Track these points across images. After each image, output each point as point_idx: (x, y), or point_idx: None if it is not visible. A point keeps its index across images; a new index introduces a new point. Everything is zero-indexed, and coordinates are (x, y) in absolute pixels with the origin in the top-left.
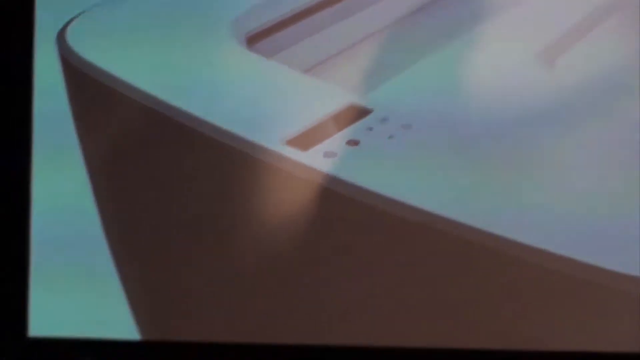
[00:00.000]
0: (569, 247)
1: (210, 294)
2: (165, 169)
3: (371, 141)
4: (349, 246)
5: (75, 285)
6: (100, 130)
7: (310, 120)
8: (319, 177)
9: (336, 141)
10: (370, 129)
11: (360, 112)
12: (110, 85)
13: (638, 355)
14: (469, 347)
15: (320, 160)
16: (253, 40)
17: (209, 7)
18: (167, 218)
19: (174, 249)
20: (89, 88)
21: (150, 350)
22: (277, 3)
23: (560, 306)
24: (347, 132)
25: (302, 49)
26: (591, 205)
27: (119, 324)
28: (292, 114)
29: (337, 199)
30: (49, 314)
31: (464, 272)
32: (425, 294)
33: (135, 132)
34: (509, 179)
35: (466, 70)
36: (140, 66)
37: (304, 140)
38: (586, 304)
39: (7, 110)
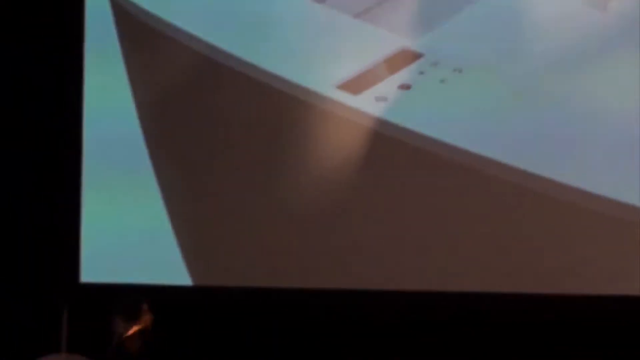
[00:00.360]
0: (625, 193)
1: (261, 237)
2: (218, 114)
3: (423, 85)
4: (400, 188)
5: (126, 232)
6: (153, 76)
7: (362, 64)
8: (370, 121)
9: (387, 85)
10: (422, 73)
11: (411, 57)
12: (164, 31)
13: None
14: (515, 290)
15: (371, 104)
16: None
17: None
18: (219, 162)
19: (226, 192)
20: (140, 32)
21: (200, 294)
22: None
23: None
24: (398, 77)
25: None
26: None
27: (169, 269)
28: (343, 58)
29: (388, 143)
30: (100, 261)
31: (514, 215)
32: (474, 236)
33: (188, 77)
34: (560, 121)
35: (516, 15)
36: (191, 12)
37: (356, 85)
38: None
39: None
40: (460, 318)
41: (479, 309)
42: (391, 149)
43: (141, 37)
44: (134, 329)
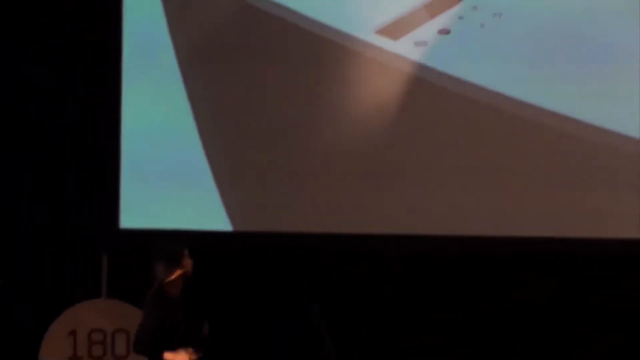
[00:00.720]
0: None
1: (300, 182)
2: (258, 59)
3: (462, 30)
4: (438, 133)
5: (166, 178)
6: (194, 20)
7: (402, 9)
8: (409, 66)
9: (427, 30)
10: (461, 17)
11: (451, 1)
12: None
13: None
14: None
15: (410, 49)
16: None
17: None
18: (259, 108)
19: (266, 138)
20: None
21: (240, 240)
22: None
23: None
24: (438, 21)
25: None
26: None
27: (208, 216)
28: (383, 3)
29: (427, 88)
30: (140, 207)
31: (554, 159)
32: (514, 179)
33: (228, 21)
34: (597, 70)
35: None
36: None
37: (395, 30)
38: None
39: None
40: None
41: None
42: (430, 94)
43: None
44: (175, 274)
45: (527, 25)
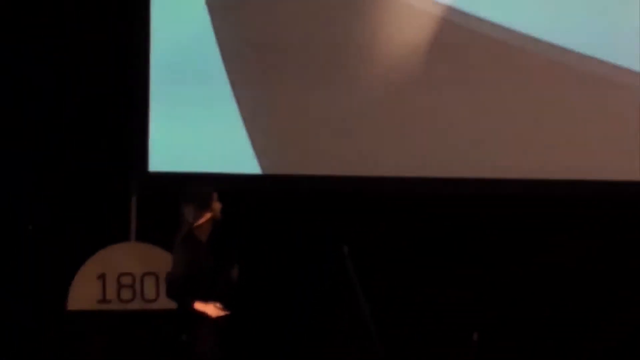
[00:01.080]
0: None
1: (330, 126)
2: (292, 2)
3: None
4: (469, 77)
5: (195, 121)
6: None
7: None
8: (438, 9)
9: None
10: None
11: None
12: None
13: None
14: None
15: None
16: None
17: None
18: (288, 49)
19: (295, 80)
20: None
21: (270, 183)
22: None
23: None
24: None
25: None
26: None
27: (238, 159)
28: None
29: (456, 30)
30: (169, 150)
31: (579, 102)
32: (541, 123)
33: None
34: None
35: None
36: None
37: None
38: None
39: None
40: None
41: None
42: (459, 36)
43: None
44: (204, 217)
45: None
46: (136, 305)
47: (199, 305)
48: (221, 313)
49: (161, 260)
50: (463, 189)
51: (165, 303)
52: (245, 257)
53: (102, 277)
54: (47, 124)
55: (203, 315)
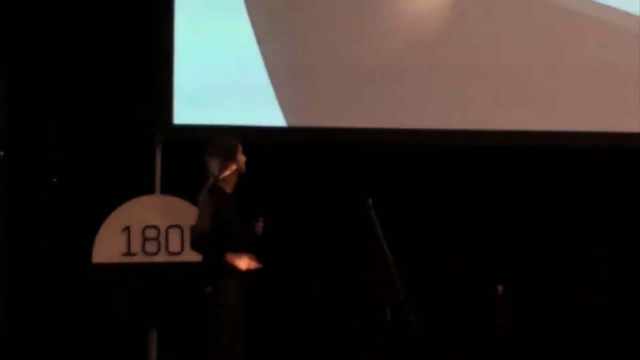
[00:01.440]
0: None
1: (353, 78)
2: None
3: None
4: (490, 30)
5: (219, 75)
6: None
7: None
8: None
9: None
10: None
11: None
12: None
13: None
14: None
15: None
16: None
17: None
18: (315, 2)
19: (318, 33)
20: None
21: (294, 135)
22: None
23: None
24: None
25: None
26: None
27: (262, 112)
28: None
29: None
30: (194, 103)
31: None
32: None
33: None
34: None
35: None
36: None
37: None
38: None
39: None
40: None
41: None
42: None
43: None
44: (229, 169)
45: None
46: (161, 258)
47: (230, 258)
48: (252, 266)
49: (186, 212)
50: (487, 141)
51: (190, 256)
52: (270, 210)
53: (126, 229)
54: (72, 77)
55: (231, 268)
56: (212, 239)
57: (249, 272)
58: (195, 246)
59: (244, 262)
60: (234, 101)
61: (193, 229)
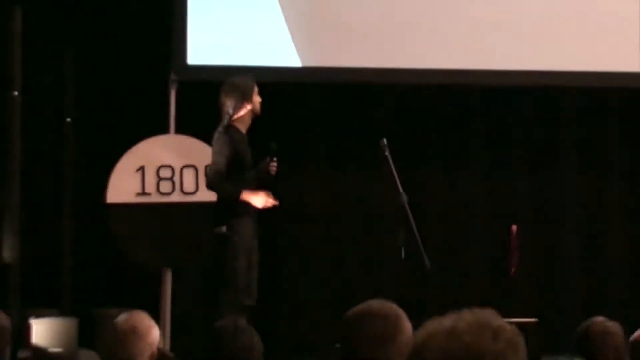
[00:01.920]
0: None
1: (366, 18)
2: None
3: None
4: None
5: (234, 13)
6: None
7: None
8: None
9: None
10: None
11: None
12: None
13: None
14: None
15: None
16: None
17: None
18: None
19: None
20: None
21: (309, 75)
22: None
23: None
24: None
25: None
26: None
27: (278, 52)
28: None
29: None
30: (208, 43)
31: None
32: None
33: None
34: None
35: None
36: None
37: None
38: None
39: None
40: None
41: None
42: None
43: None
44: (244, 109)
45: None
46: (175, 197)
47: (246, 195)
48: (269, 203)
49: (200, 152)
50: (505, 80)
51: (204, 195)
52: (284, 151)
53: (141, 169)
54: (85, 18)
55: (246, 207)
56: (227, 178)
57: (265, 209)
58: (211, 185)
59: (260, 200)
60: (249, 41)
61: (209, 168)
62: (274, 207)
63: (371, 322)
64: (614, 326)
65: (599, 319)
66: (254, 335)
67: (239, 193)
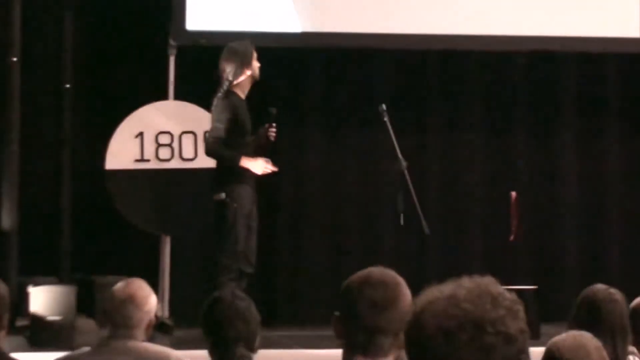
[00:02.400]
0: None
1: None
2: None
3: None
4: None
5: None
6: None
7: None
8: None
9: None
10: None
11: None
12: None
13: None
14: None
15: None
16: None
17: None
18: None
19: None
20: None
21: (307, 40)
22: None
23: None
24: None
25: None
26: None
27: (277, 18)
28: None
29: None
30: (207, 9)
31: None
32: None
33: None
34: None
35: None
36: None
37: None
38: None
39: None
40: None
41: None
42: None
43: None
44: (244, 74)
45: None
46: (174, 164)
47: (245, 162)
48: (268, 170)
49: (199, 118)
50: (502, 45)
51: (203, 162)
52: (283, 116)
53: (140, 135)
54: None
55: (245, 174)
56: (227, 144)
57: (264, 175)
58: (210, 151)
59: (259, 166)
60: (248, 6)
61: (208, 134)
62: (272, 173)
63: (371, 290)
64: (617, 293)
65: (602, 286)
66: (251, 305)
67: (238, 159)
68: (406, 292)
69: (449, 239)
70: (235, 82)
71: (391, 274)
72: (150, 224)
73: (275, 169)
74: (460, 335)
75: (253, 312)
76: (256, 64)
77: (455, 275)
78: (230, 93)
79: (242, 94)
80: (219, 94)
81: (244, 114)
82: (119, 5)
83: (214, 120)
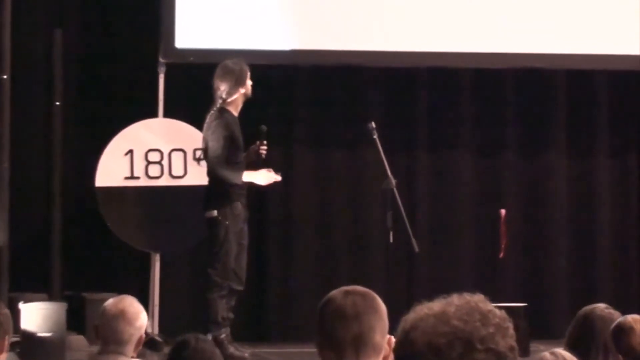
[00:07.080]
0: None
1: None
2: None
3: None
4: None
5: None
6: None
7: None
8: None
9: None
10: None
11: None
12: None
13: None
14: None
15: None
16: None
17: None
18: None
19: None
20: None
21: (297, 57)
22: None
23: None
24: None
25: None
26: None
27: (267, 36)
28: None
29: None
30: (196, 27)
31: None
32: None
33: None
34: None
35: None
36: None
37: None
38: None
39: None
40: None
41: None
42: None
43: None
44: (237, 93)
45: None
46: (164, 181)
47: (247, 176)
48: (271, 180)
49: (189, 136)
50: (492, 63)
51: (193, 179)
52: (273, 133)
53: (129, 153)
54: (75, 0)
55: (237, 191)
56: (226, 162)
57: (269, 186)
58: (213, 171)
59: (263, 177)
60: (237, 24)
61: (210, 152)
62: (275, 183)
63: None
64: (616, 314)
65: (601, 305)
66: (215, 349)
67: (240, 175)
68: (378, 301)
69: (439, 257)
70: (229, 100)
71: (362, 288)
72: (139, 241)
73: (279, 178)
74: (450, 353)
75: (217, 355)
76: (249, 83)
77: (445, 293)
78: (223, 111)
79: (235, 111)
80: (212, 112)
81: (238, 131)
82: (109, 23)
83: (211, 140)
